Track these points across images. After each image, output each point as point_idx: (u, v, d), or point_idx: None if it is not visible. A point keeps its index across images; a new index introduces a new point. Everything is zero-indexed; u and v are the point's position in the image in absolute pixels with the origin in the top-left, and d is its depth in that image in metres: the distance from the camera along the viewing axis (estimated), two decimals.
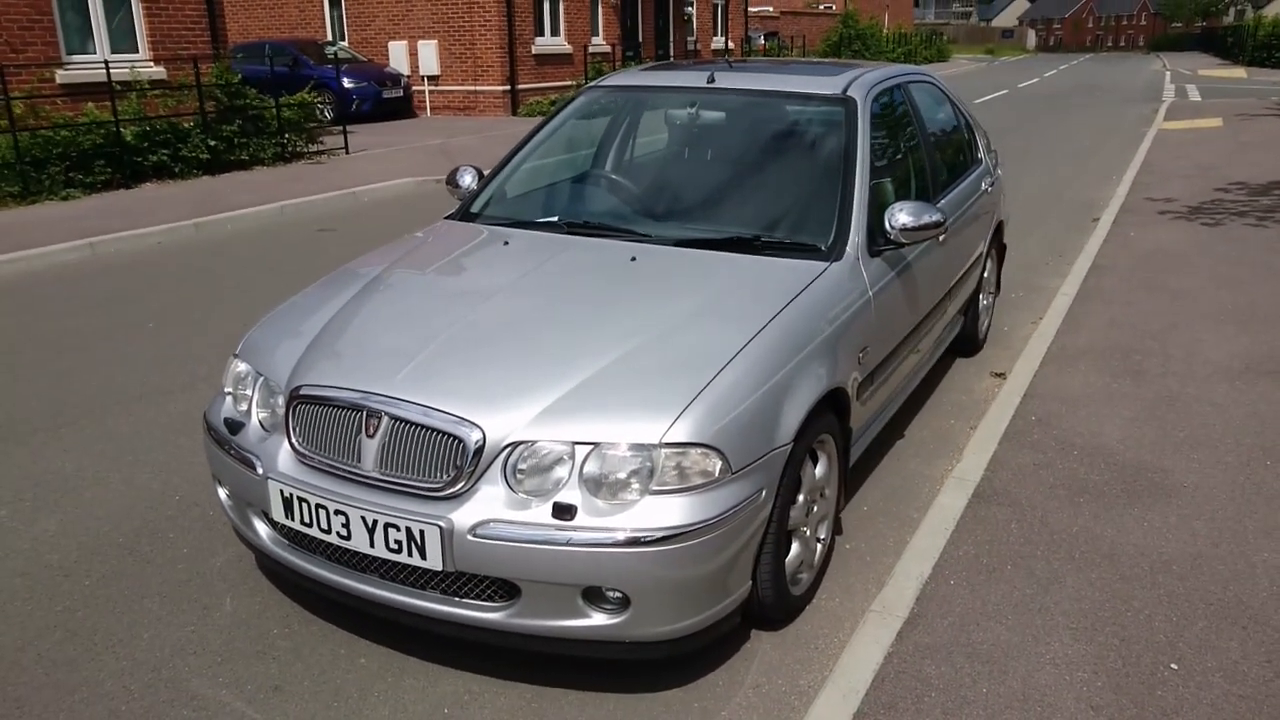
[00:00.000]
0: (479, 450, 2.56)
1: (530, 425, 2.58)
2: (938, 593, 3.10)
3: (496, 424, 2.58)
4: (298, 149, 13.24)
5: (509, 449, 2.57)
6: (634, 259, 3.40)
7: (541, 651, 2.71)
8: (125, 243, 8.56)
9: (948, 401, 4.88)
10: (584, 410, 2.61)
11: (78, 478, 4.07)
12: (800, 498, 2.99)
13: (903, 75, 4.60)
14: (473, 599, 2.65)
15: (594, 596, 2.58)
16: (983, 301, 5.47)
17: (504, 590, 2.61)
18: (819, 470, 3.11)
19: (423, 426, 2.61)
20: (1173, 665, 2.74)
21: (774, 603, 2.92)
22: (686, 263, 3.40)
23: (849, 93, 3.97)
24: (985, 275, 5.44)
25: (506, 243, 3.67)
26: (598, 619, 2.58)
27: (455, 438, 2.58)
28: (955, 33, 71.18)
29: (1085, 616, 2.96)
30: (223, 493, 3.14)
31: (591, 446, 2.54)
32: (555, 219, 3.88)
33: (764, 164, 3.97)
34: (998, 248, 5.71)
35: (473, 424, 2.58)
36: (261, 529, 2.98)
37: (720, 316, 3.00)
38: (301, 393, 2.82)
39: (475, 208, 4.14)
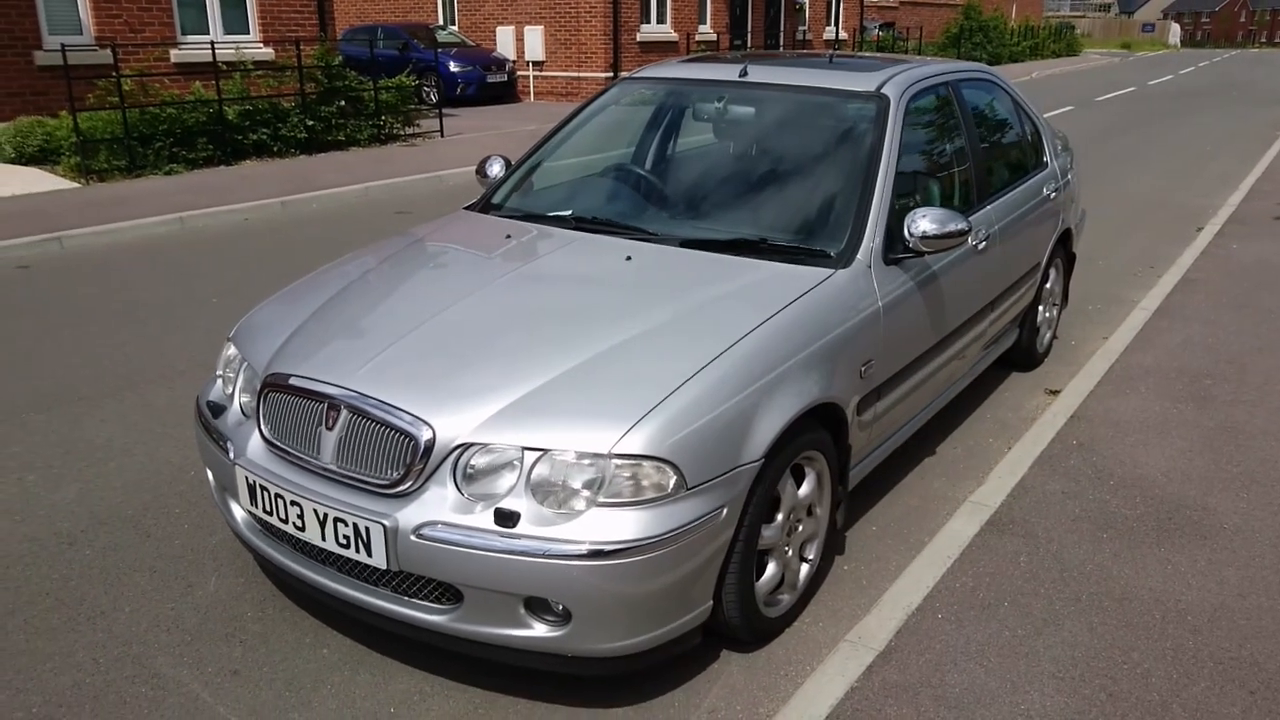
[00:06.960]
0: (429, 449, 2.51)
1: (482, 427, 2.52)
2: (921, 626, 2.91)
3: (448, 424, 2.53)
4: (393, 131, 13.50)
5: (459, 450, 2.52)
6: (629, 259, 3.30)
7: (486, 658, 2.65)
8: (213, 218, 8.87)
9: (991, 418, 4.63)
10: (538, 415, 2.53)
11: (106, 448, 4.21)
12: (779, 517, 2.85)
13: (953, 73, 4.34)
14: (420, 599, 2.61)
15: (537, 607, 2.51)
16: (1043, 314, 5.17)
17: (449, 593, 2.56)
18: (805, 488, 2.97)
19: (377, 421, 2.58)
20: None
21: (741, 624, 2.80)
22: (683, 264, 3.28)
23: (883, 90, 3.77)
24: (1048, 286, 5.13)
25: (509, 236, 3.61)
26: (540, 630, 2.51)
27: (407, 434, 2.54)
28: (1090, 26, 68.00)
29: (1076, 665, 2.74)
30: (209, 474, 3.19)
31: (541, 453, 2.47)
32: (567, 214, 3.80)
33: (786, 162, 3.81)
34: (1064, 257, 5.38)
35: (424, 422, 2.53)
36: (237, 513, 3.02)
37: (700, 323, 2.88)
38: (271, 380, 2.82)
39: (496, 199, 4.10)
